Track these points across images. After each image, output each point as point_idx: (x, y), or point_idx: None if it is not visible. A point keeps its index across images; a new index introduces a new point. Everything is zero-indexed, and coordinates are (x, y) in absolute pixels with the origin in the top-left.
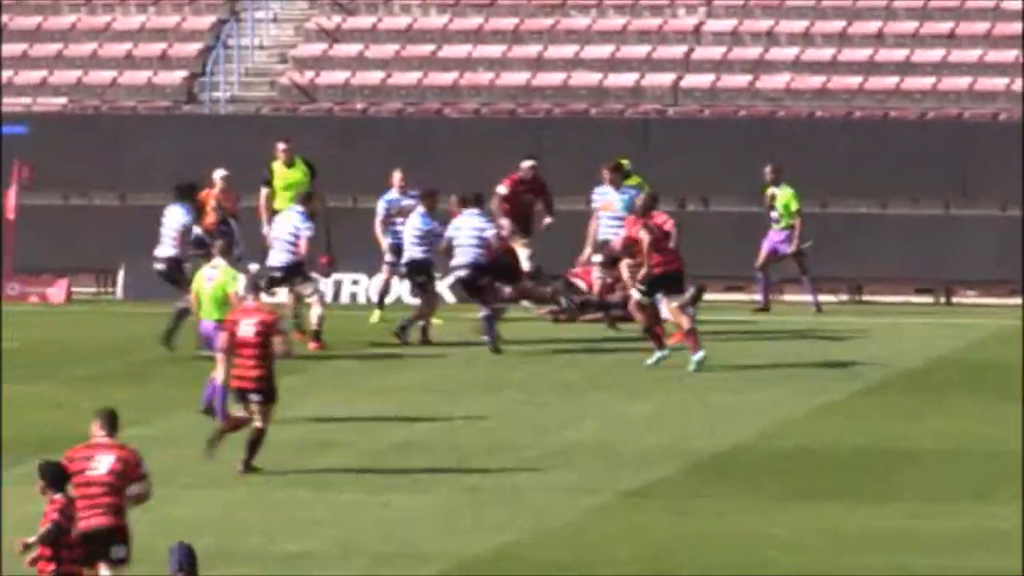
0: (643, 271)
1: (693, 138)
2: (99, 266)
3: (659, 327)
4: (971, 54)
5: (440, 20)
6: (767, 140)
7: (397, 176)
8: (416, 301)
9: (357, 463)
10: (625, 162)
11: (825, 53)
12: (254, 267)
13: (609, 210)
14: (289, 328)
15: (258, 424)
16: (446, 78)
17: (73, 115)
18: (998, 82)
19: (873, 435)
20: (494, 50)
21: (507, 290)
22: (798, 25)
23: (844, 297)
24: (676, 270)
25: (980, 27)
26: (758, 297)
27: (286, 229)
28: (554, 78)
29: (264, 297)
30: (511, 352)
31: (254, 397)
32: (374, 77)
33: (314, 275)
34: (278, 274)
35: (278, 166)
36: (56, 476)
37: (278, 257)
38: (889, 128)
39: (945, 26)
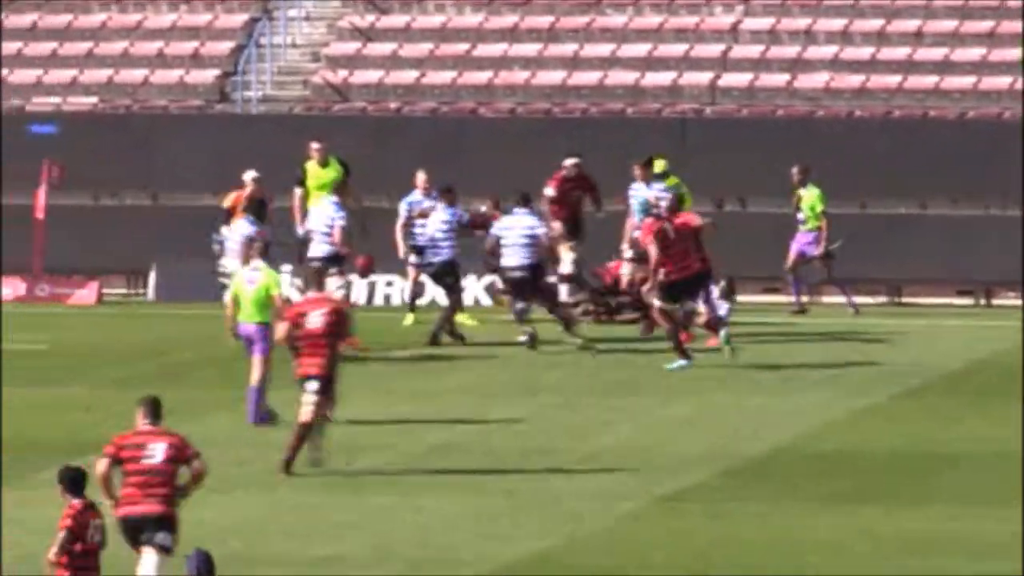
0: (650, 279)
1: (730, 138)
2: (130, 267)
3: (685, 334)
4: (1011, 53)
5: (475, 19)
6: (805, 140)
7: (421, 177)
8: (449, 306)
9: (392, 466)
10: (662, 162)
11: (864, 52)
12: (287, 267)
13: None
14: None
15: (311, 423)
16: (481, 77)
17: (104, 114)
18: None
19: (912, 438)
20: (529, 49)
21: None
22: (836, 23)
23: (883, 299)
24: (698, 272)
25: (1020, 26)
26: (794, 299)
27: (322, 221)
28: (590, 77)
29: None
30: (548, 353)
31: (312, 385)
32: (408, 76)
33: (350, 277)
34: (317, 264)
35: (312, 166)
36: (74, 481)
37: (318, 248)
38: (928, 128)
39: (985, 25)
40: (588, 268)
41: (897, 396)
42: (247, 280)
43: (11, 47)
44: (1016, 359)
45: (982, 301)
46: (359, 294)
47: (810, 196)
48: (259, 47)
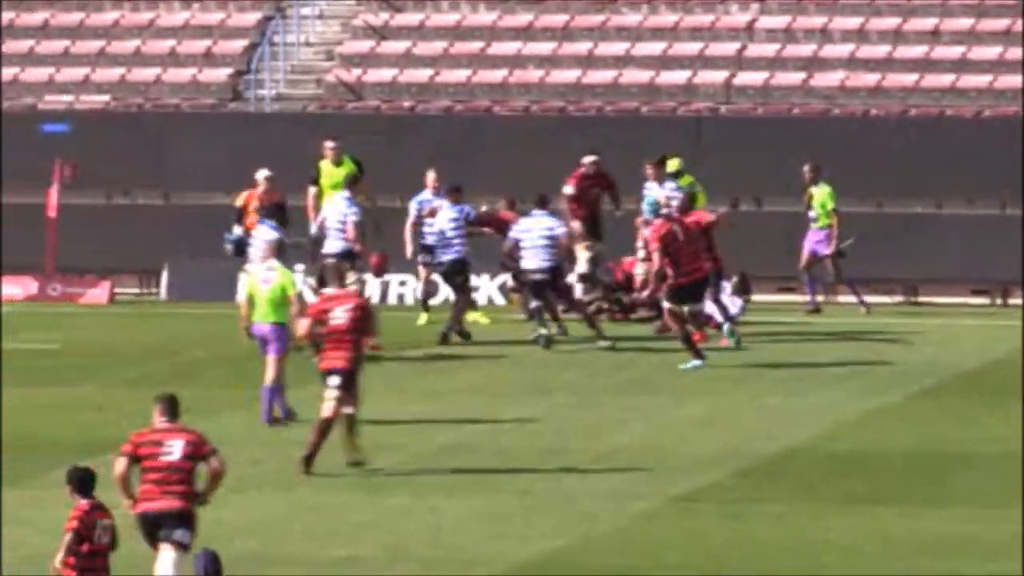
0: (651, 283)
1: (746, 137)
2: (142, 266)
3: (697, 334)
4: None
5: (489, 17)
6: (821, 139)
7: (431, 176)
8: (460, 305)
9: (406, 466)
10: (677, 161)
11: (880, 50)
12: (300, 267)
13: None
14: None
15: (332, 418)
16: (495, 76)
17: (116, 113)
18: None
19: (928, 438)
20: (544, 47)
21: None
22: (852, 22)
23: (899, 298)
24: (707, 275)
25: None
26: (809, 298)
27: (335, 217)
28: (605, 76)
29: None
30: (561, 352)
31: (335, 380)
32: (422, 75)
33: (364, 276)
34: (331, 260)
35: (326, 164)
36: (82, 482)
37: (332, 245)
38: (945, 126)
39: (1002, 23)
40: (603, 264)
41: (912, 396)
42: (262, 280)
43: (23, 45)
44: None
45: (998, 301)
46: (373, 293)
47: (821, 194)
48: (272, 45)
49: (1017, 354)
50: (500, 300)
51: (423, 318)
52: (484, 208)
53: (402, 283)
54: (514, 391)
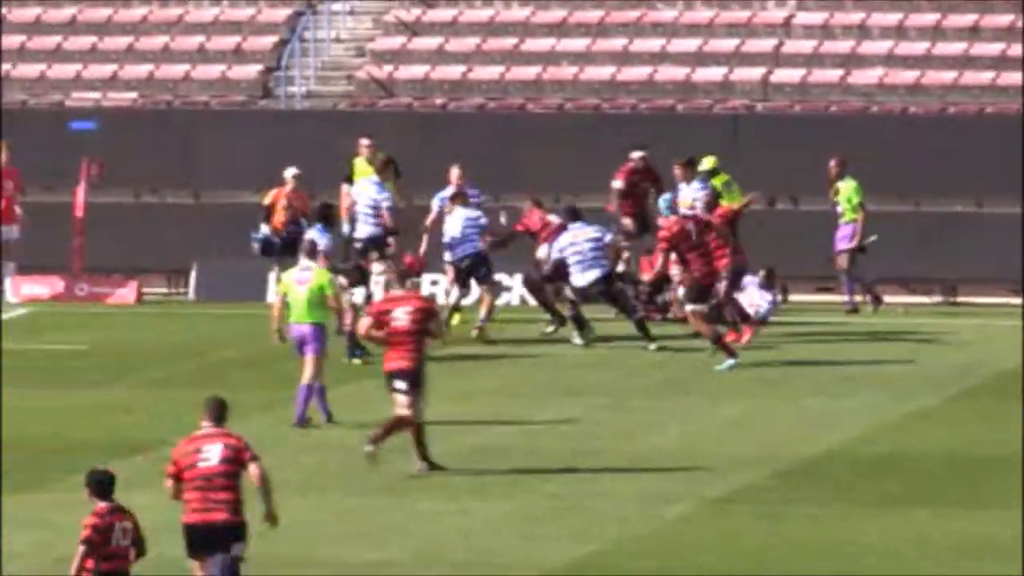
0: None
1: (783, 134)
2: (170, 266)
3: (732, 333)
4: None
5: (522, 13)
6: (859, 136)
7: (455, 172)
8: (487, 296)
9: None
10: (713, 159)
11: (919, 47)
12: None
13: (683, 206)
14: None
15: (409, 418)
16: (529, 72)
17: (144, 110)
18: None
19: (967, 440)
20: (578, 44)
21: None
22: (891, 18)
23: (938, 298)
24: (726, 271)
25: None
26: (847, 298)
27: (364, 202)
28: (640, 72)
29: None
30: (594, 353)
31: (402, 385)
32: (454, 71)
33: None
34: (359, 245)
35: (360, 162)
36: (101, 484)
37: (362, 230)
38: (984, 124)
39: None
40: (637, 262)
41: (952, 398)
42: (297, 281)
43: (50, 42)
44: None
45: None
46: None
47: (847, 188)
48: (303, 42)
49: None
50: (531, 300)
51: (455, 318)
52: (503, 218)
53: (434, 283)
54: (546, 392)
